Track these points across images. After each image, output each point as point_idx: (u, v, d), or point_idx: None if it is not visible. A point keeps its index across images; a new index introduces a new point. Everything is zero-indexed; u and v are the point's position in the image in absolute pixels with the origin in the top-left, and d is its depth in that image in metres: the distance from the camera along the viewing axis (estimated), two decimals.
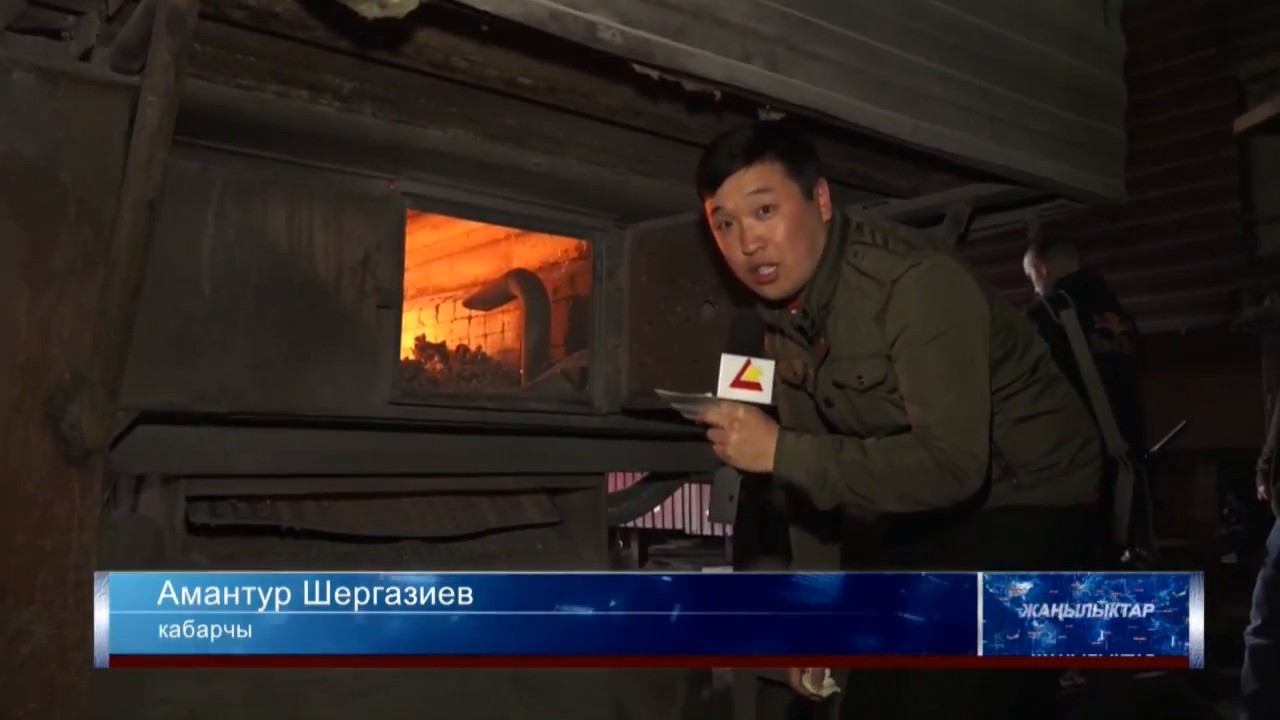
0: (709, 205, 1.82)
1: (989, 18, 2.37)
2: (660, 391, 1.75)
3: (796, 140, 1.83)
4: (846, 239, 1.81)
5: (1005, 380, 1.83)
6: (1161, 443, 4.84)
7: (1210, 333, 5.17)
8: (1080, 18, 2.63)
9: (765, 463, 1.70)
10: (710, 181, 1.79)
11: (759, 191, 1.76)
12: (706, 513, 6.99)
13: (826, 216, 1.82)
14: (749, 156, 1.76)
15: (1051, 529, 1.88)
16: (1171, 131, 5.28)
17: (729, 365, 1.71)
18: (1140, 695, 4.42)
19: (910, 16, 2.21)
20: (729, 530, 6.79)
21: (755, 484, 1.76)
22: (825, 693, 2.02)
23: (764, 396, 1.71)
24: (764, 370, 1.71)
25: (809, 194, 1.79)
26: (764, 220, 1.76)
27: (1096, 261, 5.61)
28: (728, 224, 1.80)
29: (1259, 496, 3.70)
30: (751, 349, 1.74)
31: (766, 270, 1.79)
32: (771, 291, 1.82)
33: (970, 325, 1.72)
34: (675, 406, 1.75)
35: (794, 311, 1.86)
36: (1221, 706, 4.23)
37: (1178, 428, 4.86)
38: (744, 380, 1.70)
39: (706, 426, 1.73)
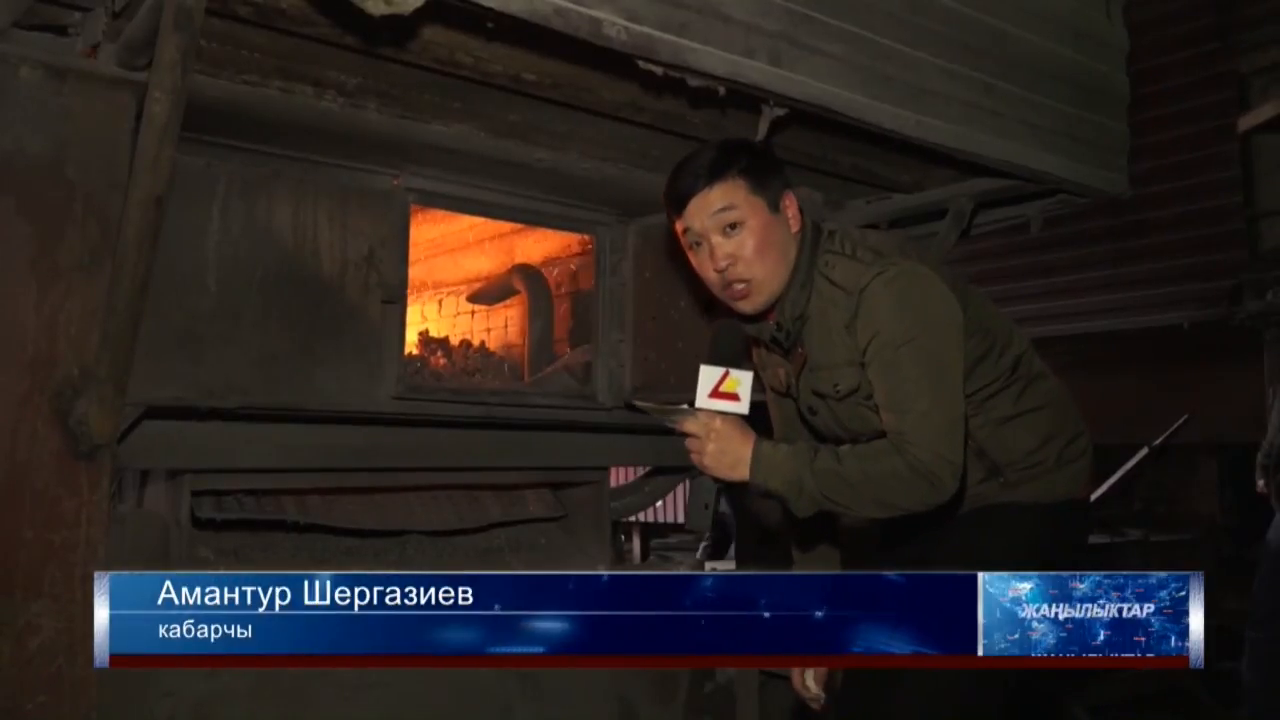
0: (678, 226, 1.84)
1: (992, 13, 2.38)
2: (638, 402, 1.78)
3: (759, 156, 1.84)
4: (818, 249, 1.82)
5: (985, 380, 1.84)
6: (1164, 436, 4.85)
7: (1212, 327, 5.17)
8: (1083, 12, 2.64)
9: (742, 471, 1.71)
10: (677, 203, 1.81)
11: (724, 210, 1.77)
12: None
13: (795, 228, 1.83)
14: (712, 176, 1.78)
15: (1040, 526, 1.88)
16: (1173, 126, 5.27)
17: (707, 376, 1.72)
18: (1142, 688, 4.44)
19: (913, 12, 2.22)
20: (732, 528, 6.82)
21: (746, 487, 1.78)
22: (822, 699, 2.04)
23: (742, 407, 1.72)
24: (742, 381, 1.72)
25: (775, 207, 1.80)
26: (731, 237, 1.78)
27: (1099, 255, 5.63)
28: (697, 243, 1.82)
29: (1259, 491, 3.70)
30: (732, 360, 1.75)
31: (739, 286, 1.80)
32: (746, 307, 1.83)
33: (941, 329, 1.72)
34: (655, 417, 1.77)
35: (772, 323, 1.88)
36: (1221, 699, 4.24)
37: (1179, 421, 4.88)
38: (722, 391, 1.72)
39: (685, 436, 1.74)
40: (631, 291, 2.98)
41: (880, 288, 1.72)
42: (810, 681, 2.05)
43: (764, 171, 1.81)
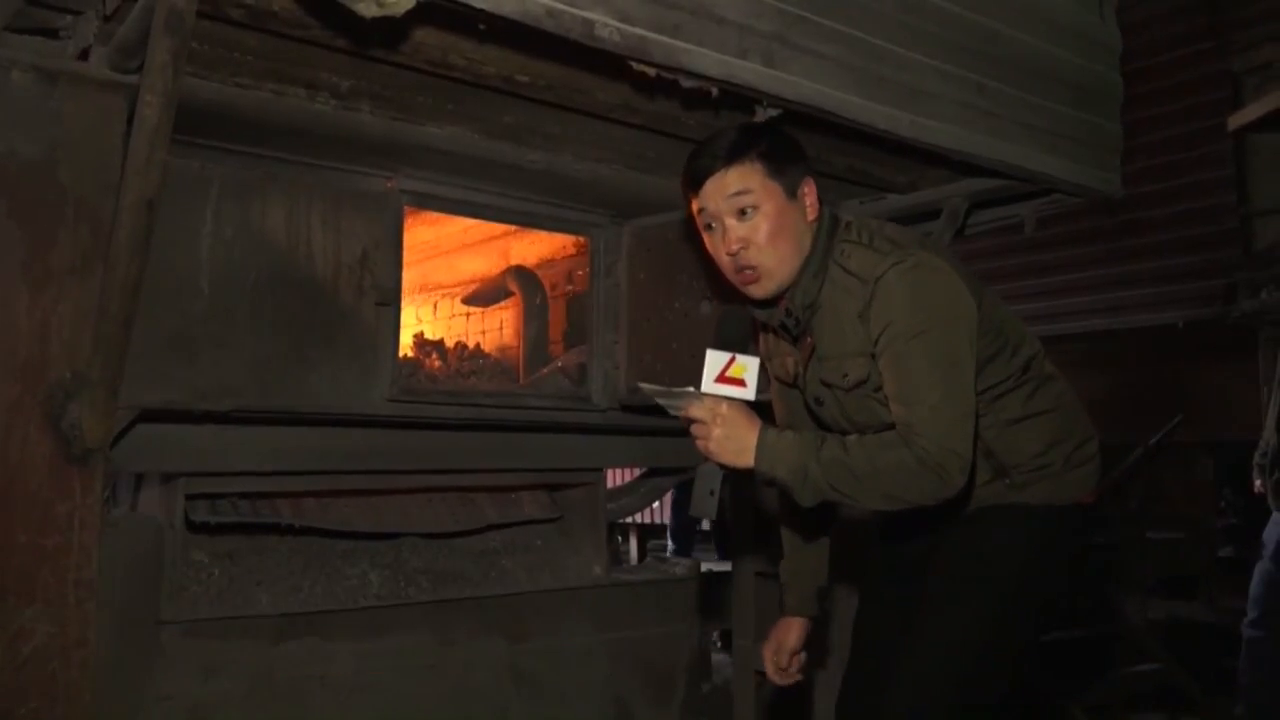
0: (694, 205, 1.83)
1: (986, 13, 2.38)
2: (643, 385, 1.76)
3: (780, 141, 1.83)
4: (834, 238, 1.81)
5: (995, 379, 1.83)
6: (1159, 436, 4.85)
7: (1207, 326, 5.17)
8: (1077, 12, 2.64)
9: (747, 458, 1.69)
10: (694, 182, 1.81)
11: (740, 193, 1.76)
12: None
13: (812, 216, 1.82)
14: (730, 158, 1.77)
15: (1045, 528, 1.87)
16: (1167, 125, 5.28)
17: (714, 361, 1.70)
18: (1137, 687, 4.44)
19: (907, 12, 2.22)
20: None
21: (748, 480, 1.76)
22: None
23: (748, 393, 1.71)
24: (749, 367, 1.70)
25: (792, 194, 1.79)
26: (746, 221, 1.77)
27: (1094, 255, 5.64)
28: (711, 225, 1.82)
29: (1255, 490, 3.70)
30: (738, 345, 1.73)
31: (750, 271, 1.79)
32: (756, 291, 1.82)
33: (954, 323, 1.70)
34: (659, 401, 1.75)
35: (783, 309, 1.87)
36: (1219, 699, 4.25)
37: (1174, 421, 4.88)
38: (728, 376, 1.70)
39: (690, 422, 1.73)
40: (626, 293, 2.98)
41: (895, 278, 1.70)
42: (785, 658, 2.07)
43: (783, 157, 1.80)
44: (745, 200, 1.76)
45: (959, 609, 1.83)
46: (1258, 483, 3.65)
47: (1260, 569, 3.60)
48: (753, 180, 1.76)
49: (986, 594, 1.83)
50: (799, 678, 2.12)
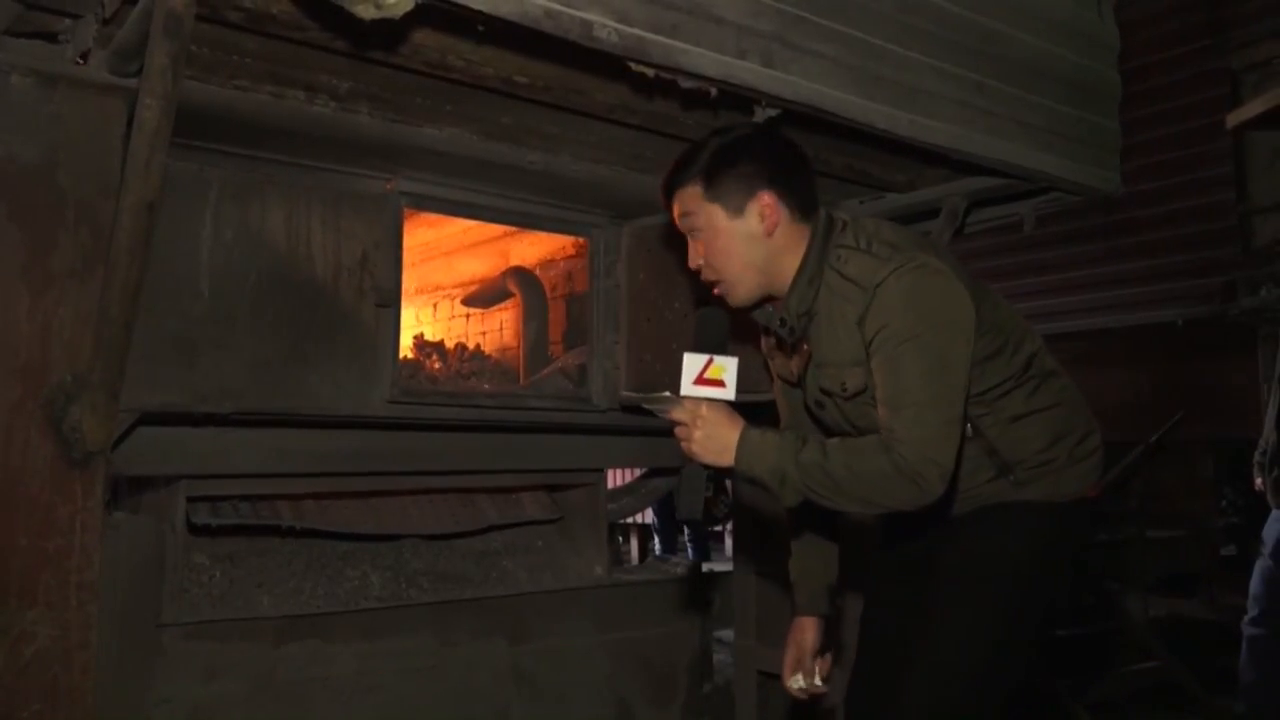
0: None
1: (984, 12, 2.38)
2: (625, 392, 1.77)
3: (723, 157, 1.79)
4: (830, 242, 1.80)
5: (996, 379, 1.82)
6: (1159, 434, 4.86)
7: (1206, 323, 5.17)
8: (1074, 11, 2.64)
9: (728, 458, 1.71)
10: (664, 200, 1.86)
11: (684, 215, 1.82)
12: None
13: (769, 230, 1.78)
14: (679, 179, 1.81)
15: (1049, 524, 1.87)
16: (1166, 123, 5.28)
17: (691, 364, 1.72)
18: (1138, 684, 4.45)
19: (905, 12, 2.22)
20: (729, 526, 6.81)
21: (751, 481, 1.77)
22: (814, 687, 2.05)
23: (728, 393, 1.72)
24: (727, 367, 1.71)
25: (737, 210, 1.77)
26: (696, 240, 1.83)
27: (1093, 253, 5.64)
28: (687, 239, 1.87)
29: (1255, 488, 3.70)
30: (715, 346, 1.74)
31: (716, 285, 1.84)
32: (730, 302, 1.85)
33: (949, 328, 1.69)
34: (644, 406, 1.78)
35: (777, 317, 1.87)
36: (1219, 696, 4.25)
37: (1174, 419, 4.88)
38: (707, 378, 1.71)
39: (674, 424, 1.74)
40: (626, 293, 2.98)
41: (894, 283, 1.69)
42: (814, 669, 2.06)
43: (721, 174, 1.77)
44: (690, 222, 1.81)
45: (966, 609, 1.83)
46: (1258, 480, 3.65)
47: (1260, 567, 3.60)
48: (692, 203, 1.80)
49: (993, 593, 1.83)
50: (825, 689, 2.07)
